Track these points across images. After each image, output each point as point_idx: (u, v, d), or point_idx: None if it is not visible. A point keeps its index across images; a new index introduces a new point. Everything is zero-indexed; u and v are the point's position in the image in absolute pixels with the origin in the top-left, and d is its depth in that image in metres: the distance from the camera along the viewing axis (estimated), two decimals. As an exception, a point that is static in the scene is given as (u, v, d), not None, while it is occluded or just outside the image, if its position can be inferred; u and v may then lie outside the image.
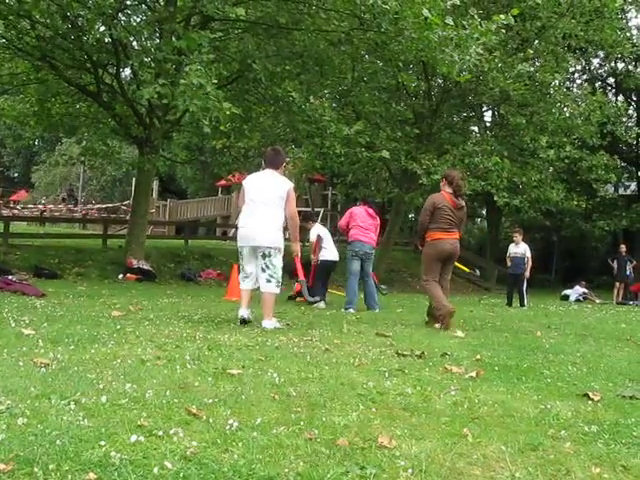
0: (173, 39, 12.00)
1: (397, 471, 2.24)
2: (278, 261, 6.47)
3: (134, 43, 14.66)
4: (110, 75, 15.19)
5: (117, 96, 14.72)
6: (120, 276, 14.21)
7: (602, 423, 3.09)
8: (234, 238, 28.10)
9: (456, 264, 9.95)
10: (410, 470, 2.24)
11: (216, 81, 11.27)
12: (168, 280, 15.15)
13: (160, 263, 16.46)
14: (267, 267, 6.42)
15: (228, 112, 11.06)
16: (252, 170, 22.63)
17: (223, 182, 28.08)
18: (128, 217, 18.70)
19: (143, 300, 8.91)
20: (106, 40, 13.29)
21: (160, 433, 2.49)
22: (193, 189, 38.77)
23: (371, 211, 10.25)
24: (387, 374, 3.95)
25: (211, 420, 2.72)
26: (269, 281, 6.42)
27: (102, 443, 2.33)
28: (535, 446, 2.64)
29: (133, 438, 2.39)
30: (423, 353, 4.81)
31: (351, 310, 9.54)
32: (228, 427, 2.63)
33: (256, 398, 3.17)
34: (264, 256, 6.43)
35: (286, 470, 2.20)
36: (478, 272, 11.76)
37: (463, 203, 7.64)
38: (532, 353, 5.33)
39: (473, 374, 4.07)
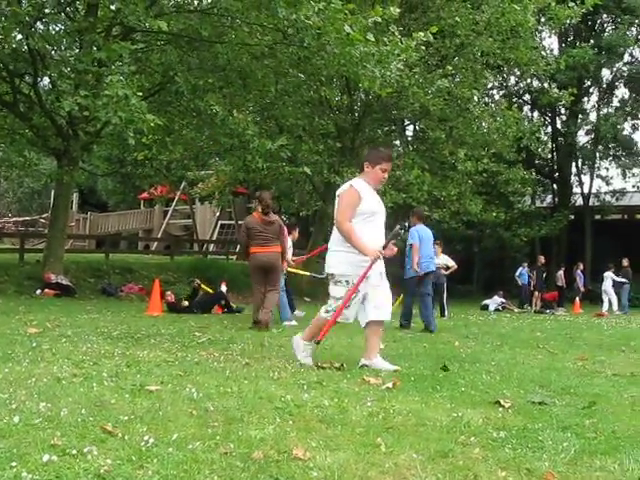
0: (94, 49, 11.82)
1: (310, 482, 2.29)
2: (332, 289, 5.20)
3: (53, 53, 14.35)
4: (27, 85, 14.82)
5: (35, 107, 14.36)
6: (38, 291, 13.83)
7: (511, 429, 3.21)
8: (157, 252, 27.50)
9: (294, 271, 11.08)
10: (323, 480, 2.30)
11: (140, 93, 11.15)
12: (88, 295, 14.81)
13: (80, 278, 16.09)
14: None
15: (152, 124, 10.97)
16: (175, 182, 22.54)
17: (145, 195, 27.70)
18: (46, 230, 18.23)
19: (61, 316, 8.71)
20: (23, 49, 12.98)
21: (74, 452, 2.47)
22: (114, 202, 38.03)
23: None
24: (306, 387, 4.00)
25: (127, 437, 2.71)
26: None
27: (13, 464, 2.29)
28: (445, 453, 2.73)
29: (46, 458, 2.36)
30: (342, 365, 4.88)
31: None
32: (144, 444, 2.62)
33: (173, 414, 3.16)
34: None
35: (200, 484, 2.22)
36: (323, 274, 11.89)
37: (273, 218, 8.88)
38: (449, 363, 5.46)
39: (390, 385, 4.16)
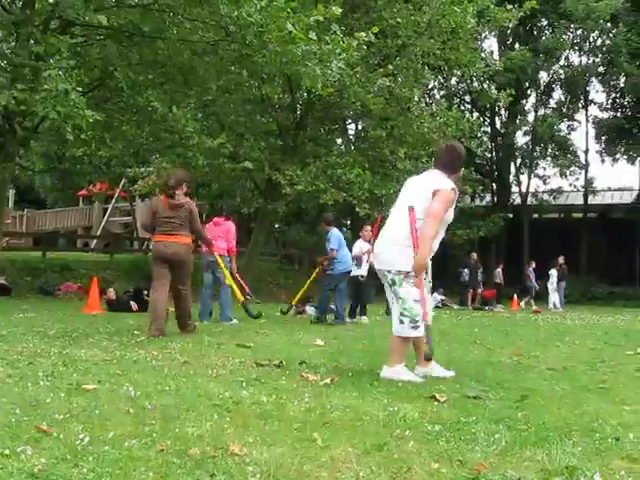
0: (31, 42, 11.56)
1: (246, 477, 2.30)
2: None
3: (-13, 45, 13.97)
4: (-40, 78, 14.39)
5: (-32, 101, 13.96)
6: (-28, 290, 13.52)
7: (445, 422, 3.27)
8: (96, 250, 26.96)
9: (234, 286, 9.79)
10: (258, 475, 2.31)
11: (80, 88, 10.96)
12: (25, 294, 14.53)
13: (16, 277, 15.76)
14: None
15: (91, 120, 10.80)
16: (114, 179, 22.20)
17: (84, 192, 27.21)
18: (-19, 228, 17.74)
19: (-4, 316, 8.53)
20: (-44, 41, 12.63)
21: (7, 452, 2.44)
22: (52, 199, 37.25)
23: (216, 219, 10.57)
24: (244, 384, 4.01)
25: (62, 436, 2.69)
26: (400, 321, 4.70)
27: (-57, 465, 2.25)
28: (381, 446, 2.77)
29: (-23, 459, 2.33)
30: (281, 362, 4.91)
31: (204, 322, 9.61)
32: (79, 442, 2.60)
33: (110, 412, 3.14)
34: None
35: (135, 481, 2.22)
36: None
37: (180, 201, 7.39)
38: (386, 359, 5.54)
39: (328, 381, 4.20)
